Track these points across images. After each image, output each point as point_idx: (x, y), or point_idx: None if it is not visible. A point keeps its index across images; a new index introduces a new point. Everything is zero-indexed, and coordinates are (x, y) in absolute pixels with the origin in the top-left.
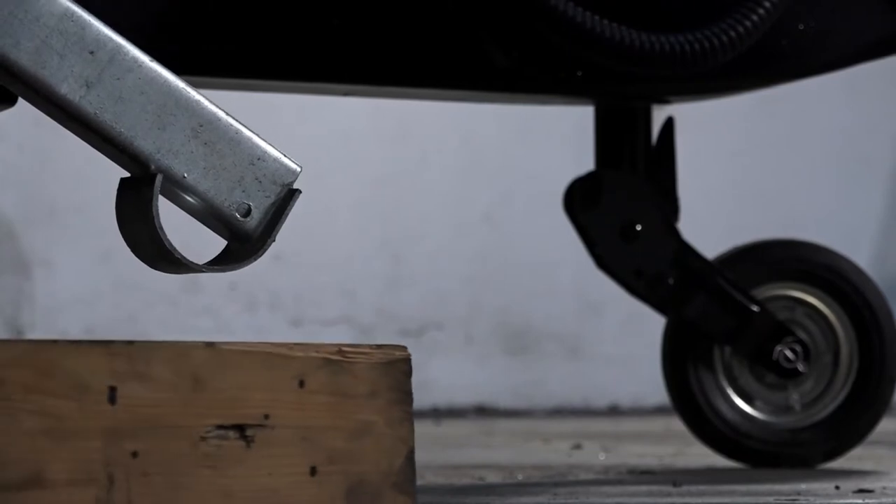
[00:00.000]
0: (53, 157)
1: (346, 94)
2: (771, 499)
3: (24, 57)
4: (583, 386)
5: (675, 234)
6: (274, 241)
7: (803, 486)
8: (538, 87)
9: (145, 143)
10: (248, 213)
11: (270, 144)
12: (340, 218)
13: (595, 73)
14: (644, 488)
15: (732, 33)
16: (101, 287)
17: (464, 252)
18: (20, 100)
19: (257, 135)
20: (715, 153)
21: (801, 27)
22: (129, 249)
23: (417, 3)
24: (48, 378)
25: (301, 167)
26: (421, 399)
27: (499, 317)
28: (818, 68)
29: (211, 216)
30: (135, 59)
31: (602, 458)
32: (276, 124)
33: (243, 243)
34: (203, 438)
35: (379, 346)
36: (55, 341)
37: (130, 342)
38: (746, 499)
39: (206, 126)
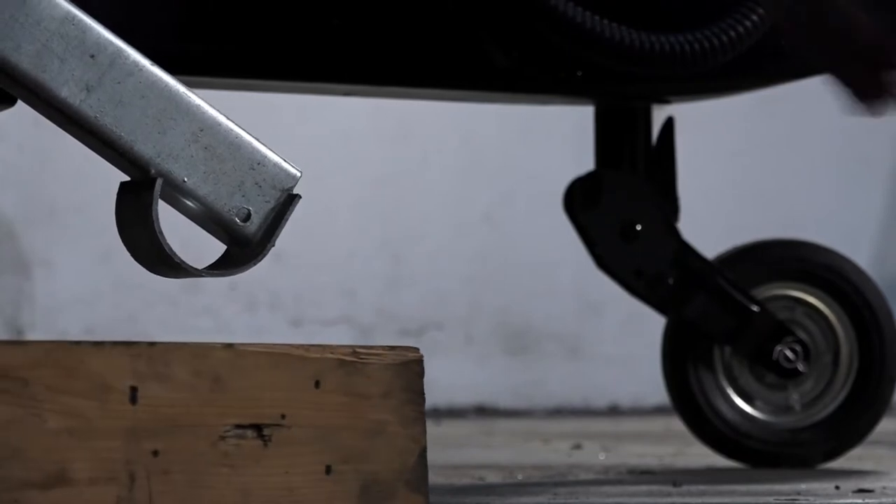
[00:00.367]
0: (53, 157)
1: (346, 94)
2: (771, 499)
3: (25, 60)
4: (583, 386)
5: (675, 234)
6: (273, 245)
7: (803, 486)
8: (538, 87)
9: (145, 147)
10: (247, 217)
11: (270, 149)
12: (340, 218)
13: (595, 73)
14: (644, 488)
15: (732, 33)
16: (101, 287)
17: (464, 252)
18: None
19: (257, 139)
20: (715, 153)
21: None
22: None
23: (417, 3)
24: (71, 378)
25: (301, 172)
26: None
27: (499, 317)
28: (818, 68)
29: (211, 220)
30: (135, 63)
31: (602, 458)
32: (276, 124)
33: (243, 248)
34: (222, 438)
35: (392, 348)
36: (78, 342)
37: (152, 343)
38: (746, 499)
39: (206, 130)
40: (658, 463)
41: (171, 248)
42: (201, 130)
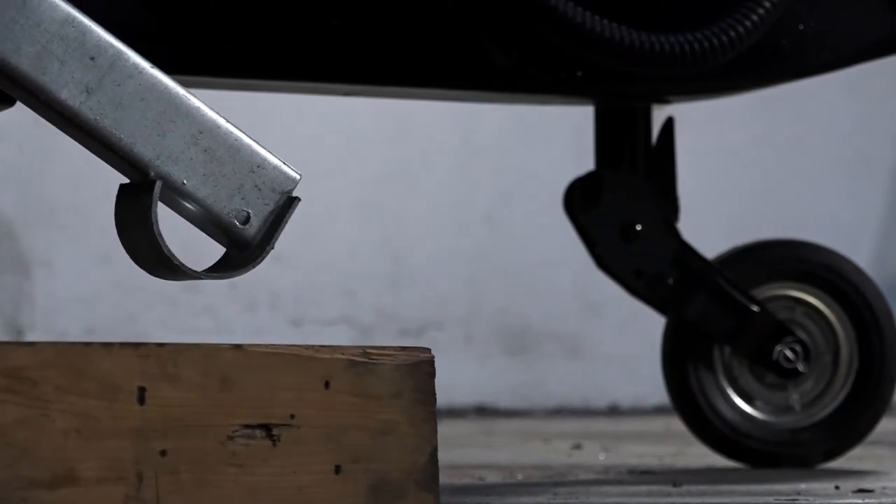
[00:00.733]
0: (53, 157)
1: (346, 94)
2: (771, 499)
3: (25, 62)
4: (583, 386)
5: (675, 234)
6: (273, 248)
7: (803, 486)
8: (538, 87)
9: (145, 149)
10: (247, 220)
11: (270, 152)
12: (340, 218)
13: (595, 73)
14: (644, 488)
15: (732, 33)
16: (101, 287)
17: (464, 252)
18: None
19: (257, 142)
20: (715, 153)
21: (801, 27)
22: None
23: (417, 3)
24: (80, 379)
25: (301, 175)
26: None
27: (499, 317)
28: (818, 68)
29: (210, 223)
30: (135, 66)
31: (602, 458)
32: (276, 124)
33: (242, 250)
34: (230, 437)
35: (403, 348)
36: (87, 344)
37: (161, 344)
38: (746, 499)
39: (205, 133)
40: (658, 463)
41: (170, 251)
42: (201, 133)
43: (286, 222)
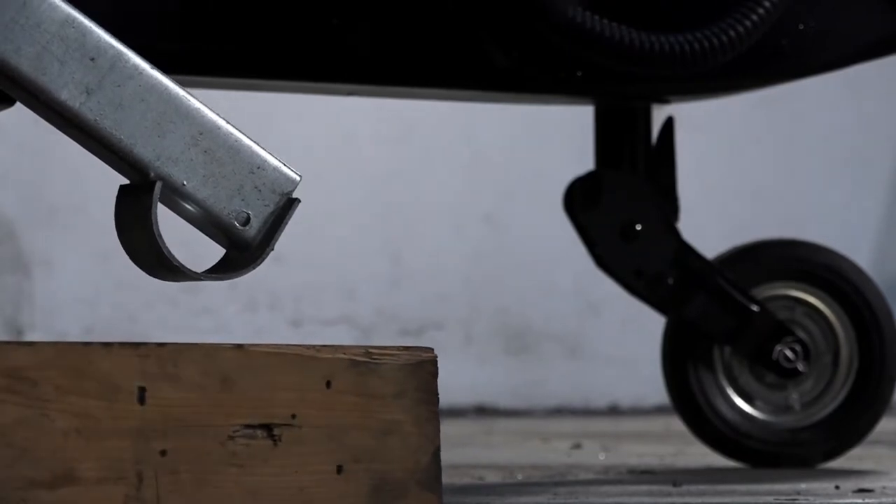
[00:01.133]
0: (53, 157)
1: (347, 93)
2: (771, 499)
3: (25, 63)
4: (583, 386)
5: (675, 234)
6: (273, 249)
7: (803, 486)
8: (538, 87)
9: (145, 150)
10: (247, 221)
11: (270, 153)
12: (340, 218)
13: (595, 73)
14: (644, 488)
15: (732, 33)
16: (101, 287)
17: (464, 252)
18: None
19: (257, 143)
20: (715, 153)
21: (801, 27)
22: None
23: (418, 3)
24: (80, 379)
25: (301, 177)
26: None
27: (499, 317)
28: (818, 68)
29: (210, 224)
30: (135, 67)
31: (602, 457)
32: (276, 124)
33: (242, 252)
34: (231, 437)
35: (406, 348)
36: (87, 344)
37: (161, 344)
38: (746, 499)
39: (205, 134)
40: (658, 463)
41: (170, 252)
42: (201, 134)
43: (286, 224)
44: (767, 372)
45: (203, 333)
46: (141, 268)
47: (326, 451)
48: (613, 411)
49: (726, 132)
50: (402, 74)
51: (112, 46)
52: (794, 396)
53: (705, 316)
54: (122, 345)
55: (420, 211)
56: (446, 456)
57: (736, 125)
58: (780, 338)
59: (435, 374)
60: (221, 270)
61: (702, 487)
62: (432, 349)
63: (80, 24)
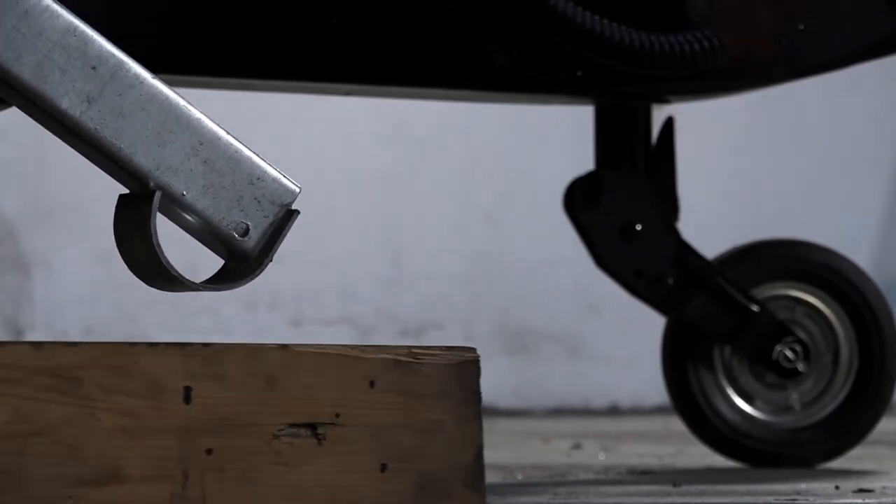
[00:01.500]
0: (53, 157)
1: (346, 93)
2: (771, 499)
3: (26, 71)
4: (583, 386)
5: (675, 234)
6: (271, 261)
7: (803, 486)
8: (538, 87)
9: (145, 159)
10: (246, 232)
11: (270, 164)
12: (340, 218)
13: (595, 73)
14: (644, 488)
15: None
16: (101, 287)
17: (464, 252)
18: None
19: (257, 154)
20: (715, 153)
21: (801, 27)
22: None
23: (417, 2)
24: (126, 378)
25: (300, 188)
26: None
27: (499, 317)
28: (818, 68)
29: (209, 235)
30: (136, 76)
31: (602, 458)
32: (276, 124)
33: (241, 262)
34: (276, 436)
35: (449, 348)
36: (133, 344)
37: (206, 344)
38: (746, 499)
39: (206, 144)
40: (658, 463)
41: (168, 262)
42: (201, 144)
43: (285, 235)
44: (767, 372)
45: (203, 333)
46: (139, 277)
47: (370, 450)
48: (613, 411)
49: (726, 132)
50: (401, 74)
51: (113, 55)
52: (794, 396)
53: (705, 316)
54: (168, 345)
55: (420, 211)
56: None
57: (736, 125)
58: (780, 338)
59: (477, 374)
60: (220, 281)
61: (702, 487)
62: (474, 349)
63: (82, 32)
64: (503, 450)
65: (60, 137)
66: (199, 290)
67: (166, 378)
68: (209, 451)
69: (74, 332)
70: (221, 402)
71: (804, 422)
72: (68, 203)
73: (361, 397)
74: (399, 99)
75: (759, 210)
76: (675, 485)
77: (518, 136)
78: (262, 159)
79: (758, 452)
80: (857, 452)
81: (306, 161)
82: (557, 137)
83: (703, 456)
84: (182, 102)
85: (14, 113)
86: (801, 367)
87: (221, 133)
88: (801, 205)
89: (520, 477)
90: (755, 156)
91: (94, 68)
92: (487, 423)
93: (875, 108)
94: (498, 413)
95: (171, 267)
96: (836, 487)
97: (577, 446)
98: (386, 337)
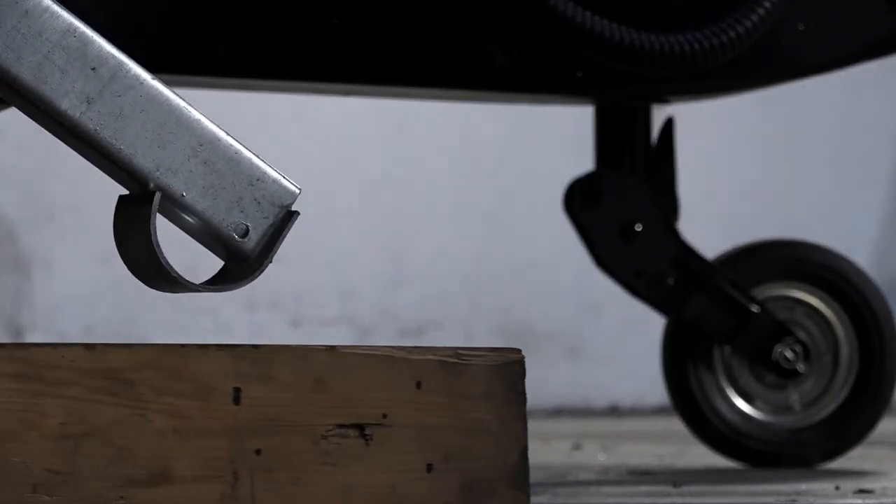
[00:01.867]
0: (53, 157)
1: (346, 93)
2: (771, 499)
3: (26, 71)
4: (583, 386)
5: (675, 234)
6: (271, 262)
7: (803, 486)
8: (538, 87)
9: (145, 160)
10: (245, 233)
11: (270, 165)
12: (340, 218)
13: (595, 73)
14: (644, 488)
15: (732, 33)
16: (101, 287)
17: (464, 252)
18: None
19: (257, 155)
20: (715, 153)
21: (801, 27)
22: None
23: (417, 2)
24: (176, 380)
25: (300, 189)
26: None
27: (499, 317)
28: (818, 68)
29: (208, 236)
30: (136, 77)
31: (602, 458)
32: (276, 124)
33: (240, 263)
34: (324, 437)
35: (494, 349)
36: (183, 345)
37: (256, 346)
38: (746, 499)
39: (205, 145)
40: (658, 463)
41: (168, 263)
42: (201, 145)
43: (285, 236)
44: (767, 372)
45: (203, 333)
46: (139, 278)
47: (417, 451)
48: (613, 411)
49: (726, 132)
50: (401, 74)
51: (113, 56)
52: (795, 397)
53: (705, 316)
54: (218, 346)
55: (420, 211)
56: None
57: (736, 125)
58: (780, 338)
59: (522, 375)
60: (219, 282)
61: (702, 487)
62: (520, 350)
63: (82, 33)
64: None
65: (60, 138)
66: (199, 290)
67: (216, 379)
68: (258, 452)
69: (74, 333)
70: (270, 403)
71: (804, 422)
72: (68, 203)
73: (408, 398)
74: (399, 99)
75: (759, 210)
76: (675, 485)
77: (518, 136)
78: (262, 160)
79: (758, 453)
80: (857, 452)
81: (306, 161)
82: (557, 137)
83: (703, 456)
84: (182, 103)
85: (14, 113)
86: (801, 367)
87: (221, 134)
88: (801, 205)
89: None
90: (755, 156)
91: (93, 69)
92: None
93: (875, 108)
94: None
95: (171, 268)
96: (837, 488)
97: (577, 447)
98: (386, 337)
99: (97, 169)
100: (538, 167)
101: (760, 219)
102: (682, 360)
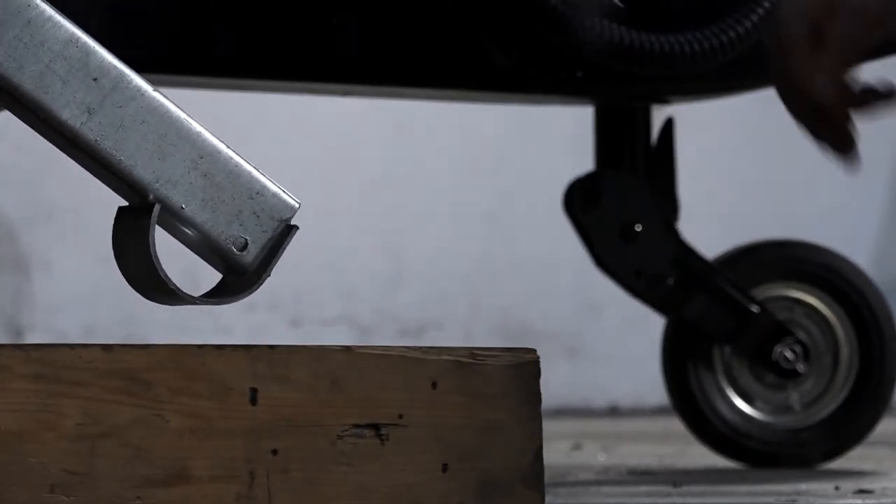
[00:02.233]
0: (53, 157)
1: (345, 94)
2: (771, 499)
3: (27, 81)
4: (583, 386)
5: (675, 235)
6: (269, 276)
7: (803, 486)
8: (538, 87)
9: (145, 172)
10: (244, 247)
11: (270, 179)
12: (340, 218)
13: (595, 73)
14: (644, 488)
15: (732, 33)
16: (101, 287)
17: (464, 252)
18: None
19: (257, 169)
20: (715, 153)
21: None
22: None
23: (417, 2)
24: (193, 380)
25: (299, 203)
26: None
27: (499, 317)
28: None
29: (207, 248)
30: (137, 88)
31: (602, 458)
32: (276, 124)
33: (239, 277)
34: (340, 437)
35: (509, 349)
36: (200, 346)
37: (272, 346)
38: (746, 499)
39: (206, 158)
40: (658, 463)
41: (167, 275)
42: (201, 157)
43: (283, 250)
44: (767, 372)
45: (203, 334)
46: (137, 290)
47: (432, 450)
48: (613, 411)
49: (727, 132)
50: (401, 74)
51: (115, 67)
52: (794, 397)
53: (705, 316)
54: (235, 347)
55: (420, 211)
56: None
57: (736, 125)
58: (779, 338)
59: (537, 376)
60: (217, 295)
61: (702, 488)
62: (534, 350)
63: (84, 43)
64: None
65: (60, 148)
66: (197, 303)
67: (233, 380)
68: (274, 452)
69: (74, 333)
70: (286, 404)
71: (804, 422)
72: (68, 204)
73: (424, 398)
74: (398, 99)
75: (759, 210)
76: (675, 485)
77: (518, 136)
78: (262, 174)
79: (758, 453)
80: (857, 452)
81: (306, 161)
82: (557, 137)
83: (703, 456)
84: (182, 115)
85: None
86: (800, 367)
87: (221, 147)
88: (802, 205)
89: None
90: (755, 156)
91: (95, 80)
92: None
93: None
94: None
95: (170, 280)
96: (836, 488)
97: (577, 447)
98: (386, 337)
99: None
100: (538, 167)
101: (760, 219)
102: (681, 360)
